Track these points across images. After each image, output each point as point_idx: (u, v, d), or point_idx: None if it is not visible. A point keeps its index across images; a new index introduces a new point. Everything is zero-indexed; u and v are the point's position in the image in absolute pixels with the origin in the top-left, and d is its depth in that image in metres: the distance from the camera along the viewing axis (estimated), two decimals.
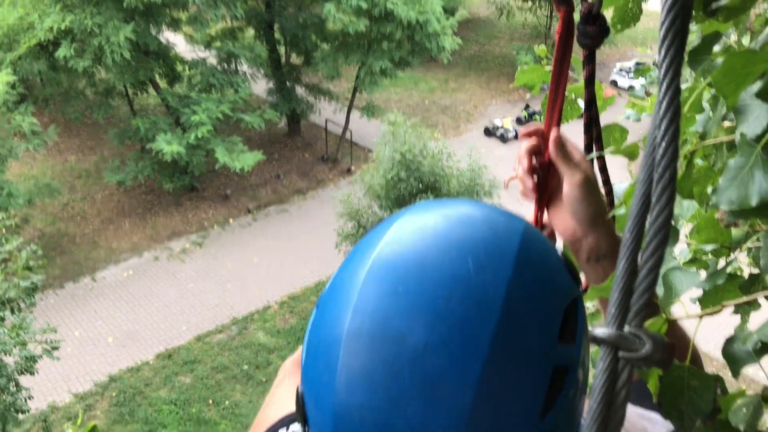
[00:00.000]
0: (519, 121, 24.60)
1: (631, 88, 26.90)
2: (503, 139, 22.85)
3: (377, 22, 18.63)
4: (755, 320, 1.36)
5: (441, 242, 0.68)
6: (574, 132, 1.16)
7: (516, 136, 22.39)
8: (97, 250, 17.36)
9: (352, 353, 0.65)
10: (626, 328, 0.60)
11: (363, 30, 18.54)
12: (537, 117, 23.50)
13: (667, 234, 0.54)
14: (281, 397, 1.12)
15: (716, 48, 1.22)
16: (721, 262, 1.38)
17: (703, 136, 0.99)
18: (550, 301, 0.70)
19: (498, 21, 32.42)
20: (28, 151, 17.25)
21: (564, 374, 0.69)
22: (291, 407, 0.99)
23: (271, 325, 14.91)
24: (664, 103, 0.56)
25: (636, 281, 0.58)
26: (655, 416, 0.95)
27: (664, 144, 0.56)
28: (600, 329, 0.60)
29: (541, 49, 2.46)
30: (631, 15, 1.53)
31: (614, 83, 28.01)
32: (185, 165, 17.67)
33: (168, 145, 16.32)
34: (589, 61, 1.09)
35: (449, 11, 22.00)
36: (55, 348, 9.41)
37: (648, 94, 2.24)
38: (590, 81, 1.13)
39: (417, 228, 0.71)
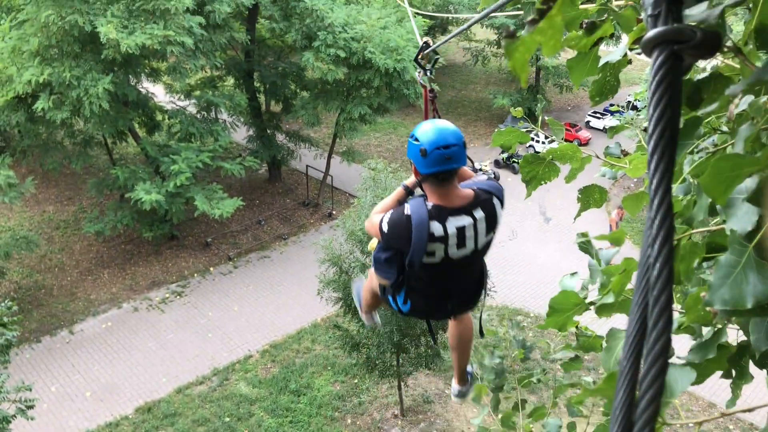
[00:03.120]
0: (497, 163, 24.87)
1: (605, 129, 27.76)
2: None
3: (356, 70, 18.90)
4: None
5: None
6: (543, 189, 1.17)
7: (497, 178, 22.59)
8: (75, 302, 17.04)
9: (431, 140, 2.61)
10: None
11: (342, 78, 18.77)
12: (515, 161, 23.78)
13: (666, 361, 0.51)
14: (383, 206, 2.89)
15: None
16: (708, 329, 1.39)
17: (689, 222, 1.00)
18: None
19: (474, 67, 33.02)
20: (4, 204, 17.04)
21: None
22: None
23: (253, 375, 14.63)
24: (656, 223, 0.54)
25: (635, 414, 0.53)
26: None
27: (658, 266, 0.53)
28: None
29: (517, 110, 2.51)
30: (609, 87, 1.57)
31: (588, 124, 29.13)
32: (164, 213, 17.54)
33: (147, 194, 16.23)
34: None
35: None
36: (30, 407, 9.13)
37: (624, 153, 2.28)
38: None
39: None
